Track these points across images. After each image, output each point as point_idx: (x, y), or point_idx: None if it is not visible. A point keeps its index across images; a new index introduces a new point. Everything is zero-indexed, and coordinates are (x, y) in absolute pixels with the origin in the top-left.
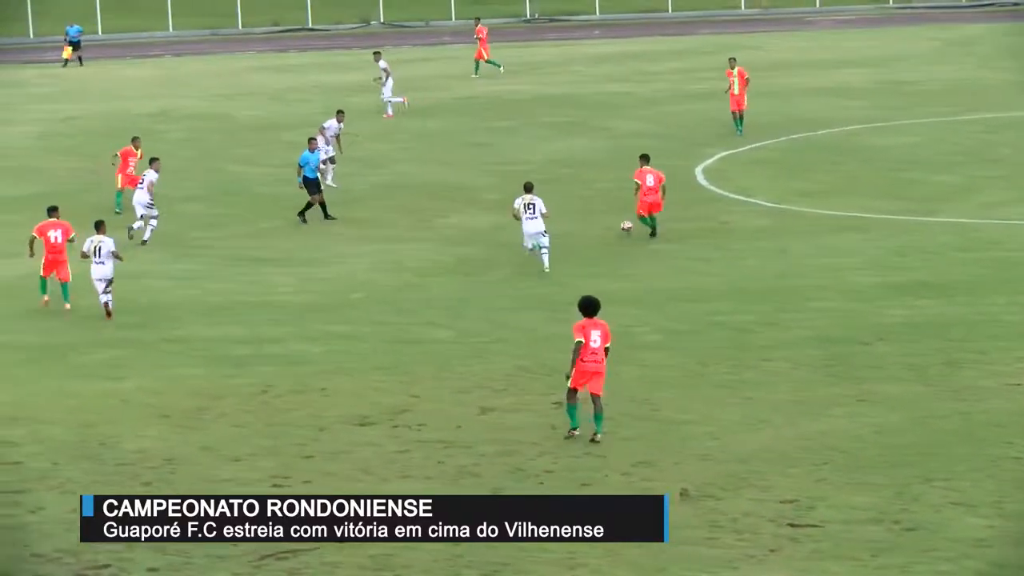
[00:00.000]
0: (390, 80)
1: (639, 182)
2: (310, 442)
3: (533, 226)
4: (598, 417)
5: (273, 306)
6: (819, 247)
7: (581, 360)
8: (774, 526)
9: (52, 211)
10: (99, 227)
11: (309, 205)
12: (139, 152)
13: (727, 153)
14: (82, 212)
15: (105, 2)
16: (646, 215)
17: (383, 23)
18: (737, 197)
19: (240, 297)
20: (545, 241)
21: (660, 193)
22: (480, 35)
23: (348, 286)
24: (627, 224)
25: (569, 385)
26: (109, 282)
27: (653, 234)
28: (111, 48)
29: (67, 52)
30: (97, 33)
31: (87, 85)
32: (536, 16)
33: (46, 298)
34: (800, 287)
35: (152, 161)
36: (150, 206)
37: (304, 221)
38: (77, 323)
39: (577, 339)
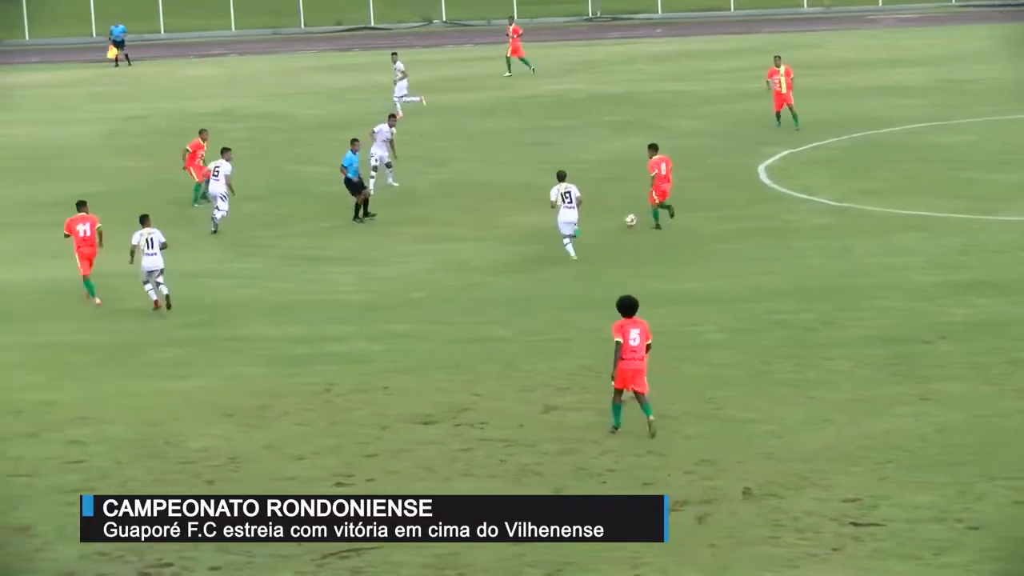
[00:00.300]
0: (404, 81)
1: (655, 172)
2: (373, 440)
3: (570, 215)
4: (646, 407)
5: (334, 305)
6: (881, 246)
7: (622, 359)
8: (837, 525)
9: (81, 205)
10: (144, 221)
11: (358, 205)
12: (206, 144)
13: (789, 152)
14: (147, 211)
15: (168, 1)
16: (661, 201)
17: (445, 22)
18: (799, 195)
19: (301, 296)
20: (570, 231)
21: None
22: (515, 34)
23: (410, 285)
24: (632, 219)
25: (614, 385)
26: (160, 272)
27: (672, 215)
28: (174, 47)
29: (112, 52)
30: (160, 32)
31: (151, 84)
32: (598, 14)
33: (97, 300)
34: (862, 286)
35: (224, 151)
36: (224, 198)
37: (360, 221)
38: (141, 323)
39: (616, 339)
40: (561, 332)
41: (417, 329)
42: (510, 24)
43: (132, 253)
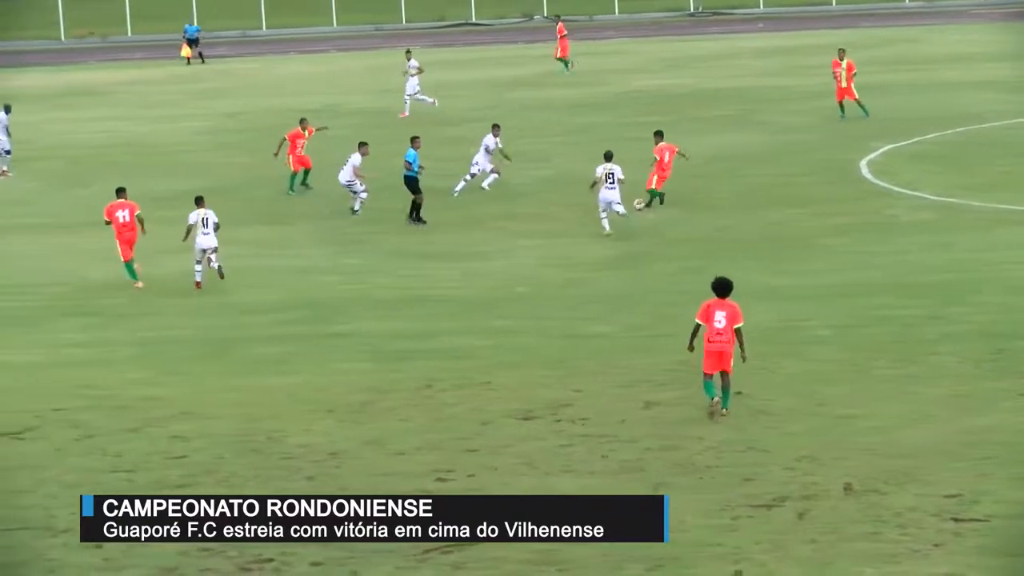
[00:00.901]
0: (416, 78)
1: (657, 157)
2: (474, 436)
3: (611, 195)
4: (725, 392)
5: (437, 300)
6: (984, 241)
7: (708, 341)
8: (938, 521)
9: (120, 192)
10: (199, 202)
11: (417, 205)
12: (308, 132)
13: (891, 147)
14: (251, 206)
15: None
16: (658, 188)
17: (546, 17)
18: (901, 191)
19: (404, 292)
20: (621, 209)
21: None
22: (561, 33)
23: (513, 280)
24: (638, 203)
25: (703, 370)
26: (214, 250)
27: (662, 201)
28: (276, 44)
29: (185, 51)
30: (262, 29)
31: (252, 81)
32: (700, 10)
33: (139, 283)
34: (965, 281)
35: (361, 145)
36: (350, 183)
37: (414, 222)
38: (244, 318)
39: (696, 322)
40: (662, 327)
41: (519, 325)
42: (557, 23)
43: (188, 231)
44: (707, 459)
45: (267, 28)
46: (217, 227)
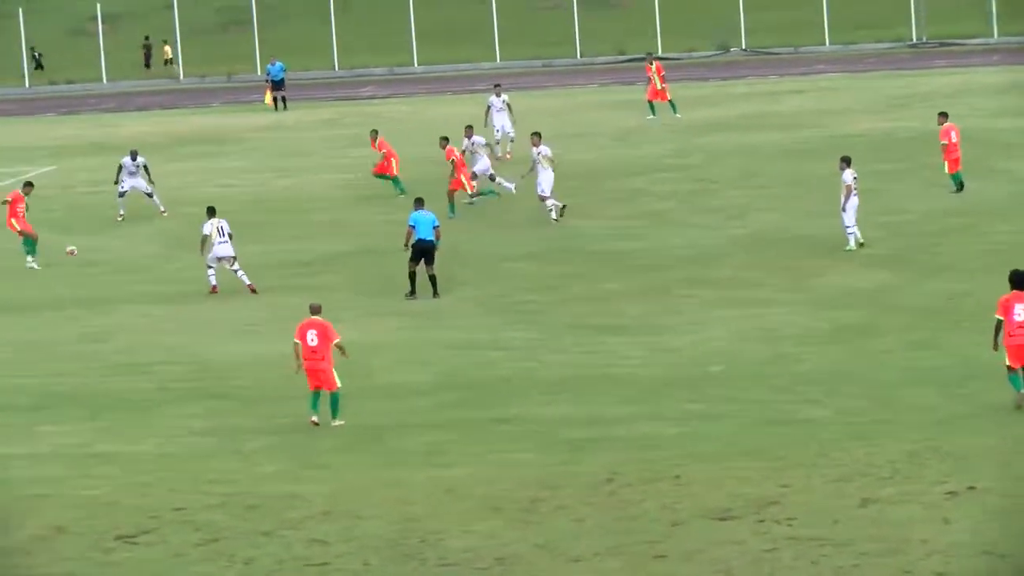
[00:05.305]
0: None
1: (945, 141)
2: (662, 539)
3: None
4: None
5: (618, 380)
6: None
7: (1009, 335)
8: None
9: (29, 186)
10: (211, 212)
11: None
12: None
13: None
14: (400, 271)
15: (422, 31)
16: (953, 172)
17: (744, 50)
18: None
19: (580, 370)
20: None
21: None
22: (647, 73)
23: (706, 357)
24: (71, 250)
25: (1007, 363)
26: (233, 259)
27: (960, 188)
28: (430, 83)
29: (268, 97)
30: (413, 66)
31: (399, 126)
32: (924, 40)
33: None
34: None
35: (467, 128)
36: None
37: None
38: (396, 403)
39: (997, 317)
40: (884, 412)
41: (714, 409)
42: (649, 62)
43: (203, 243)
44: (935, 565)
45: (419, 64)
46: (231, 236)
